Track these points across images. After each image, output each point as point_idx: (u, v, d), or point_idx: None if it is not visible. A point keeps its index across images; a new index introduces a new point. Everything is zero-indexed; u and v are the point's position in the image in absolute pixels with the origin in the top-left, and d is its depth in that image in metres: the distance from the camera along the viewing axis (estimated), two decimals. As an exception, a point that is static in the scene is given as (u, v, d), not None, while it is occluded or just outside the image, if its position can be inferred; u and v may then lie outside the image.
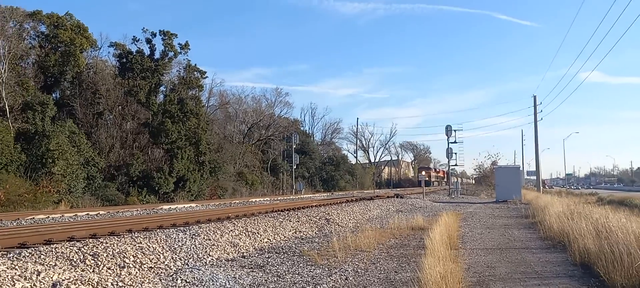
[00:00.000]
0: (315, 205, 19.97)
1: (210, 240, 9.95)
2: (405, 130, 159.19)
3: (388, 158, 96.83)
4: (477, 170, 60.27)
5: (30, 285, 5.73)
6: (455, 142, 44.71)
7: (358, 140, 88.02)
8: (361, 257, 9.36)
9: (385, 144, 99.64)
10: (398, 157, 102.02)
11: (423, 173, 60.49)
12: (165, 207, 19.07)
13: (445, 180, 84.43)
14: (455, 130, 44.50)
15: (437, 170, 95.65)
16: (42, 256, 7.04)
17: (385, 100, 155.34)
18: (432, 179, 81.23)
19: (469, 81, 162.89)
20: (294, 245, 11.06)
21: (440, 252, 8.23)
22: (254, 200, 26.32)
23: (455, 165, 48.11)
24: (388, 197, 30.34)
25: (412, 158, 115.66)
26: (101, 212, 16.12)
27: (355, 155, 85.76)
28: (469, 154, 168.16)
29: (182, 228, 10.70)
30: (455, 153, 45.55)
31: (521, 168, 42.59)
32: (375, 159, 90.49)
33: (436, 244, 8.87)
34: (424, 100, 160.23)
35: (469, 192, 50.36)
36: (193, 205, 20.71)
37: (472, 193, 48.99)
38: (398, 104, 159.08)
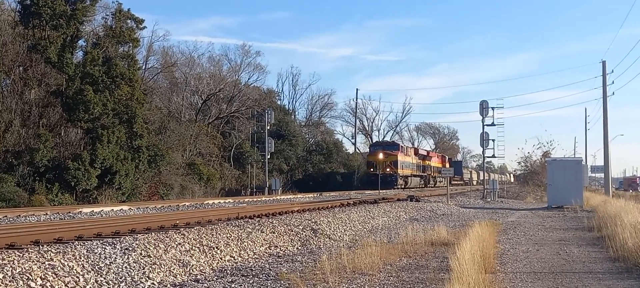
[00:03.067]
0: (298, 211, 20.04)
1: (149, 257, 9.94)
2: (424, 107, 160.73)
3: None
4: (522, 163, 58.86)
5: None
6: (493, 125, 44.85)
7: (357, 120, 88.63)
8: (361, 283, 9.42)
9: (396, 126, 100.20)
10: (413, 143, 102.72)
11: (380, 156, 56.11)
12: (86, 209, 19.01)
13: (447, 171, 76.31)
14: (493, 108, 44.62)
15: (427, 153, 79.01)
16: None
17: (395, 65, 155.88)
18: (408, 170, 64.45)
19: (511, 40, 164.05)
20: (267, 265, 11.10)
21: (470, 277, 8.30)
22: (211, 202, 26.36)
23: (493, 156, 48.27)
24: (399, 199, 30.57)
25: (433, 146, 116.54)
26: (-6, 217, 16.04)
27: (353, 140, 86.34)
28: (512, 142, 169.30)
29: (110, 240, 10.67)
30: (493, 140, 45.75)
31: (583, 162, 42.95)
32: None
33: (465, 266, 8.92)
34: (449, 67, 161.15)
35: (510, 194, 50.84)
36: (125, 207, 20.69)
37: (514, 195, 49.48)
38: (414, 71, 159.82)
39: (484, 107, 44.13)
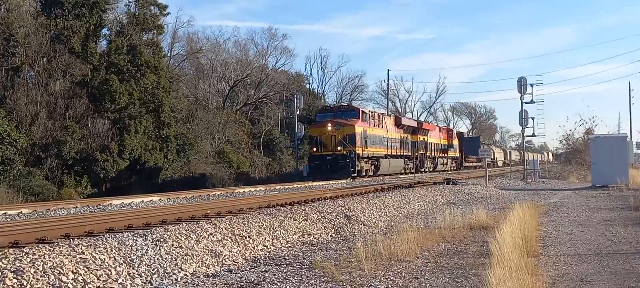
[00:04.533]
0: (331, 197, 20.08)
1: (181, 248, 10.06)
2: (459, 87, 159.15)
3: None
4: (563, 142, 58.12)
5: None
6: (532, 102, 44.31)
7: (389, 102, 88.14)
8: (398, 270, 9.43)
9: (430, 107, 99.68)
10: (448, 124, 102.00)
11: (328, 127, 38.95)
12: (116, 201, 19.28)
13: (452, 148, 64.54)
14: (531, 85, 44.04)
15: (419, 124, 56.74)
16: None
17: (428, 44, 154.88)
18: (380, 148, 44.21)
19: (549, 13, 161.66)
20: (301, 254, 11.17)
21: (512, 261, 8.28)
22: (241, 190, 26.52)
23: (533, 135, 47.70)
24: (435, 183, 30.44)
25: (469, 127, 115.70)
26: (24, 211, 16.33)
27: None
28: (552, 120, 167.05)
29: (141, 231, 10.81)
30: (532, 119, 45.17)
31: (629, 139, 42.29)
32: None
33: (506, 250, 8.91)
34: (484, 43, 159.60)
35: (552, 174, 50.29)
36: (155, 198, 20.93)
37: (556, 175, 48.94)
38: (448, 49, 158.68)
39: (522, 84, 43.61)
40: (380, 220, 16.88)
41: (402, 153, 48.80)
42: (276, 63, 64.84)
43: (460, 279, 8.81)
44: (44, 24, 35.04)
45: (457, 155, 67.46)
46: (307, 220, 14.57)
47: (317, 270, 9.45)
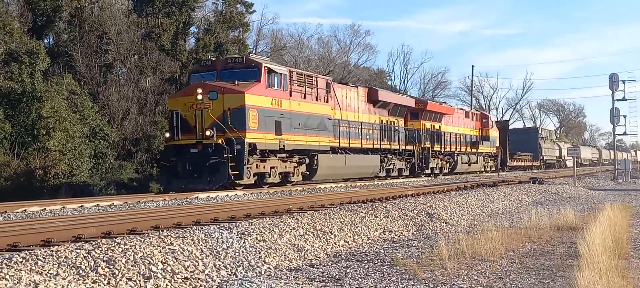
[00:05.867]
0: (412, 194, 19.93)
1: (265, 241, 10.20)
2: (546, 83, 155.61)
3: (520, 124, 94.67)
4: None
5: (28, 300, 6.10)
6: (624, 99, 42.80)
7: (473, 99, 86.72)
8: (481, 269, 9.28)
9: (516, 104, 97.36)
10: (535, 122, 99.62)
11: (198, 94, 21.63)
12: (203, 195, 19.71)
13: (487, 141, 48.93)
14: (623, 82, 42.49)
15: (422, 104, 39.58)
16: (39, 262, 7.46)
17: (514, 39, 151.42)
18: (310, 137, 25.97)
19: (637, 5, 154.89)
20: (382, 251, 11.14)
21: (601, 263, 8.04)
22: (322, 186, 26.63)
23: (624, 133, 46.12)
24: (520, 182, 29.86)
25: (557, 125, 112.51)
26: (116, 202, 16.87)
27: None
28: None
29: (226, 224, 11.01)
30: (624, 117, 43.64)
31: None
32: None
33: (596, 251, 8.67)
34: (573, 37, 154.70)
35: (644, 175, 48.38)
36: (239, 192, 21.28)
37: (649, 176, 47.05)
38: (535, 43, 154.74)
39: (613, 81, 42.21)
40: (463, 219, 16.67)
41: (381, 146, 32.36)
42: (358, 59, 64.96)
43: (547, 280, 8.60)
44: (135, 22, 36.23)
45: (495, 150, 51.13)
46: (388, 217, 14.53)
47: (398, 267, 9.41)
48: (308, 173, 26.61)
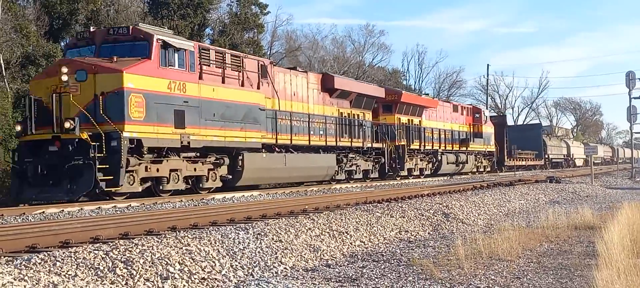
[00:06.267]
0: (428, 194, 19.88)
1: (281, 242, 10.22)
2: (562, 82, 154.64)
3: (536, 122, 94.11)
4: None
5: (48, 301, 6.14)
6: (640, 97, 42.34)
7: (489, 98, 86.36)
8: (498, 269, 9.25)
9: (531, 102, 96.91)
10: (551, 120, 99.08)
11: (63, 75, 16.79)
12: (218, 196, 19.76)
13: (479, 138, 44.64)
14: (640, 80, 41.96)
15: (395, 95, 34.97)
16: (58, 263, 7.53)
17: (530, 38, 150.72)
18: (256, 128, 22.29)
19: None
20: (398, 251, 11.12)
21: (620, 262, 7.98)
22: (338, 187, 26.59)
23: (641, 131, 45.64)
24: (537, 181, 29.75)
25: (574, 123, 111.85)
26: (133, 204, 16.95)
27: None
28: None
29: (242, 225, 11.05)
30: (640, 114, 43.17)
31: None
32: (515, 124, 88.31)
33: (614, 250, 8.61)
34: (590, 35, 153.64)
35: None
36: (255, 193, 21.30)
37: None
38: (550, 42, 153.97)
39: (630, 79, 41.99)
40: (480, 218, 16.60)
41: (338, 143, 27.78)
42: (373, 59, 64.93)
43: (564, 280, 8.55)
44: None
45: (491, 148, 47.20)
46: (404, 217, 14.50)
47: (415, 267, 9.39)
48: (230, 176, 21.66)
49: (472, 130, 43.93)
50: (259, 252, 9.49)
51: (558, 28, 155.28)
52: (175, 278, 7.74)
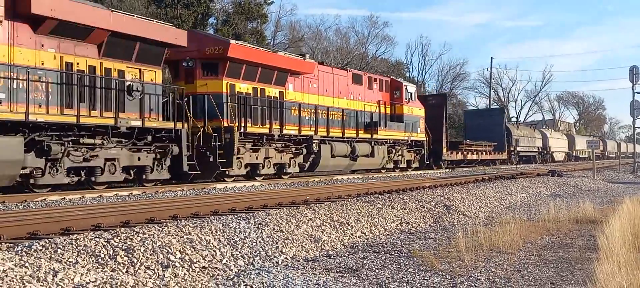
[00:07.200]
0: (429, 186, 19.89)
1: (282, 232, 10.22)
2: (566, 76, 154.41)
3: (539, 117, 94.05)
4: None
5: (47, 288, 6.14)
6: (644, 92, 42.04)
7: (492, 91, 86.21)
8: (499, 261, 9.23)
9: (534, 96, 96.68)
10: (554, 115, 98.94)
11: None
12: (220, 185, 19.75)
13: (398, 123, 32.95)
14: (644, 74, 41.64)
15: (221, 47, 21.56)
16: (59, 251, 7.55)
17: (534, 31, 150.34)
18: None
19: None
20: (399, 242, 11.12)
21: (621, 256, 7.97)
22: (339, 178, 26.57)
23: (644, 126, 45.43)
24: (539, 174, 29.74)
25: (577, 117, 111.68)
26: (134, 192, 16.97)
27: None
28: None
29: (243, 215, 11.05)
30: (644, 109, 42.98)
31: None
32: (518, 118, 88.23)
33: (615, 244, 8.59)
34: (594, 29, 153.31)
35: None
36: (256, 183, 21.31)
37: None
38: (554, 36, 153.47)
39: (634, 73, 41.93)
40: (481, 211, 16.59)
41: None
42: (376, 51, 64.86)
43: (565, 273, 8.53)
44: (154, 14, 36.35)
45: (419, 137, 35.77)
46: (405, 209, 14.49)
47: (415, 259, 9.38)
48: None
49: (386, 112, 32.73)
50: (260, 242, 9.50)
51: (562, 22, 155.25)
52: (176, 266, 7.75)
